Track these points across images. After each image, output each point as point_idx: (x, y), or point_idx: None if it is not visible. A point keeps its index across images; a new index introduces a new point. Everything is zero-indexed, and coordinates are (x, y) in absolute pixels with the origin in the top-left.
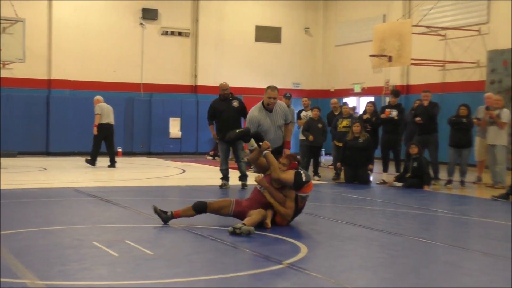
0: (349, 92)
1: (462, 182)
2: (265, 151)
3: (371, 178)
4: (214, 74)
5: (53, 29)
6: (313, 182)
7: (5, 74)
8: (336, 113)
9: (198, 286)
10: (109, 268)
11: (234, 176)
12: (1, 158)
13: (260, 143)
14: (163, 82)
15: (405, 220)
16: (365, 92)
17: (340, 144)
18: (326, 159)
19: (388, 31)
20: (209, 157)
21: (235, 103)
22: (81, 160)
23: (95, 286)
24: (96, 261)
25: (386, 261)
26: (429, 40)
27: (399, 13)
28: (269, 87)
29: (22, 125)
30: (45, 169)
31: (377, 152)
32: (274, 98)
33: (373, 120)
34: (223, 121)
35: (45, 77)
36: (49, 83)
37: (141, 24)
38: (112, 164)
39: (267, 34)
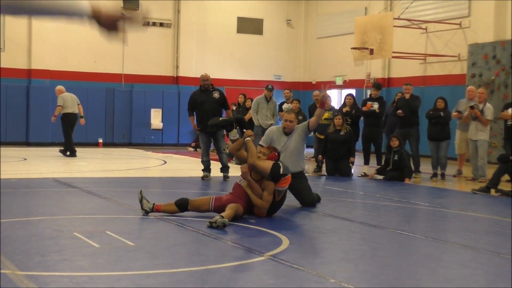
0: (330, 85)
1: (442, 175)
2: (247, 138)
3: (352, 171)
4: (195, 65)
5: (33, 19)
6: None
7: None
8: (318, 106)
9: (180, 278)
10: (90, 259)
11: (216, 168)
12: None
13: (244, 130)
14: (144, 73)
15: (385, 212)
16: (346, 84)
17: (322, 137)
18: (307, 152)
19: (369, 24)
20: (190, 149)
21: (216, 94)
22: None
23: (75, 277)
24: (77, 252)
25: (367, 253)
26: (411, 33)
27: (380, 6)
28: (286, 111)
29: (1, 115)
30: (25, 159)
31: (358, 145)
32: (291, 121)
33: (352, 112)
34: (203, 112)
35: (25, 66)
36: (29, 73)
37: (122, 14)
38: (67, 154)
39: (249, 25)
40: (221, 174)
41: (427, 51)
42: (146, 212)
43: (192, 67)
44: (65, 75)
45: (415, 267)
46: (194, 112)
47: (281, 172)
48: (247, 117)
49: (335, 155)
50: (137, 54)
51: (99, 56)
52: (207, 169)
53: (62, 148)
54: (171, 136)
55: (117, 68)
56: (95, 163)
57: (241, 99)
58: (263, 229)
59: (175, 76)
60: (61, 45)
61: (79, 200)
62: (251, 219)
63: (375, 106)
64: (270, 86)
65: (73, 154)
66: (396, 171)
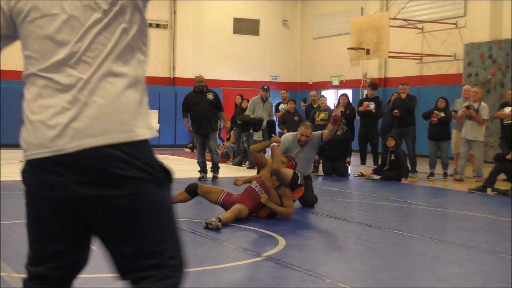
0: (327, 85)
1: (445, 174)
2: (273, 143)
3: (349, 171)
4: (192, 66)
5: None
6: None
7: None
8: (315, 106)
9: None
10: None
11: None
12: None
13: (273, 135)
14: None
15: (382, 212)
16: (343, 85)
17: None
18: None
19: (365, 24)
20: (187, 150)
21: (210, 96)
22: None
23: None
24: None
25: (364, 253)
26: (407, 33)
27: (376, 6)
28: (303, 124)
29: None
30: (22, 161)
31: (355, 145)
32: (307, 136)
33: (347, 113)
34: (197, 113)
35: (22, 69)
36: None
37: None
38: None
39: (245, 26)
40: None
41: (423, 51)
42: None
43: (189, 68)
44: None
45: (412, 267)
46: (189, 114)
47: (299, 182)
48: None
49: (331, 155)
50: None
51: None
52: (203, 170)
53: None
54: (168, 137)
55: None
56: None
57: (238, 100)
58: (260, 230)
59: (171, 77)
60: None
61: None
62: (248, 219)
63: (371, 106)
64: (266, 87)
65: None
66: (392, 171)
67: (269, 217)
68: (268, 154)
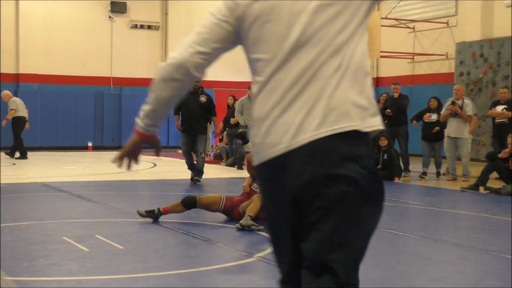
0: None
1: (437, 174)
2: None
3: None
4: None
5: (20, 23)
6: None
7: None
8: None
9: (169, 281)
10: (79, 263)
11: (206, 170)
12: None
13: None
14: (132, 76)
15: None
16: None
17: None
18: None
19: None
20: (180, 151)
21: (203, 99)
22: (50, 155)
23: (64, 281)
24: (65, 257)
25: None
26: (398, 33)
27: None
28: None
29: None
30: (14, 164)
31: None
32: None
33: None
34: (187, 114)
35: (13, 71)
36: (17, 77)
37: (110, 17)
38: (16, 156)
39: None
40: (210, 176)
41: (415, 50)
42: (156, 218)
43: None
44: (53, 79)
45: (405, 266)
46: (180, 112)
47: None
48: (234, 120)
49: None
50: (126, 57)
51: (87, 60)
52: (192, 168)
53: (8, 151)
54: (161, 138)
55: (106, 71)
56: (84, 167)
57: (230, 100)
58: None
59: None
60: (49, 49)
61: (68, 204)
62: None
63: None
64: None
65: (24, 156)
66: (385, 170)
67: (261, 217)
68: None
